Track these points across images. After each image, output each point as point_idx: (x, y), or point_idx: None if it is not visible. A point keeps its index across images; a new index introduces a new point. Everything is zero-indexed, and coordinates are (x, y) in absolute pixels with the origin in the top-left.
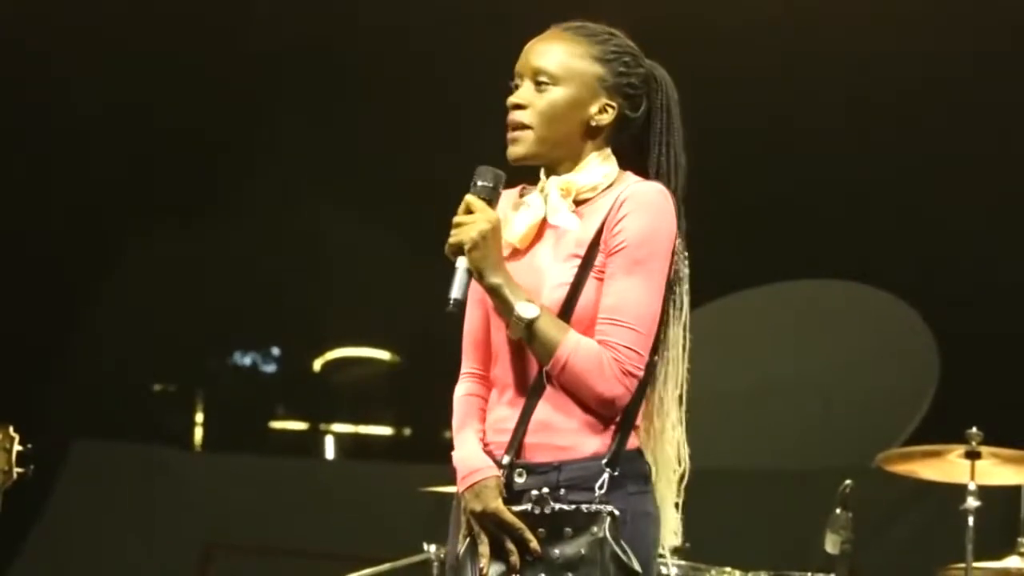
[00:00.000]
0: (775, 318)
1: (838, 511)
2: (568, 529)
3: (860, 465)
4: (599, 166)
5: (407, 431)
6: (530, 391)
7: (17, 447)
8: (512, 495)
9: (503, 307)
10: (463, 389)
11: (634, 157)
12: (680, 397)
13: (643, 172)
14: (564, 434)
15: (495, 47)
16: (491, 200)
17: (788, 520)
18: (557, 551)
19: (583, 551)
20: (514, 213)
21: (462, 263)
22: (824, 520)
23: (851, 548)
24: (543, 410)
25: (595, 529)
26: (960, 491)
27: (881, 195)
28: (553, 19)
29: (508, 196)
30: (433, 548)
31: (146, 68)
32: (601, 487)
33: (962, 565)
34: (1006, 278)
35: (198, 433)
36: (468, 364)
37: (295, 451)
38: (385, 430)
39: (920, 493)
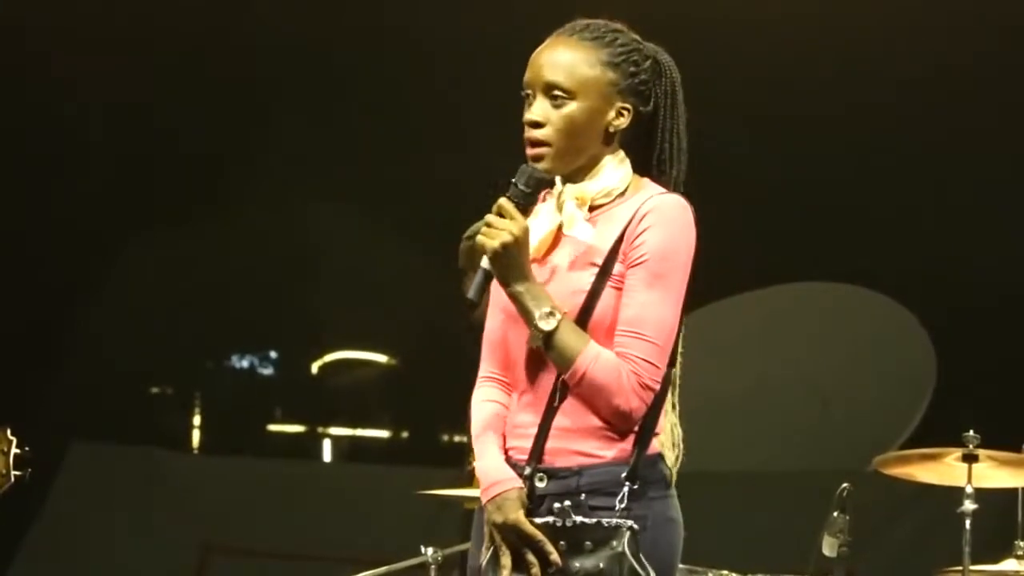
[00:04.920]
0: (773, 320)
1: (835, 514)
2: (588, 543)
3: (857, 468)
4: (614, 171)
5: (404, 434)
6: (550, 396)
7: (15, 450)
8: (534, 501)
9: (524, 315)
10: (482, 394)
11: (637, 142)
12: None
13: (647, 156)
14: (585, 440)
15: (495, 46)
16: (526, 204)
17: (785, 523)
18: (577, 564)
19: (602, 565)
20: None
21: (485, 264)
22: (822, 523)
23: (848, 551)
24: (564, 416)
25: (615, 543)
26: (957, 494)
27: (879, 198)
28: (553, 17)
29: None
30: (431, 550)
31: (146, 68)
32: (621, 500)
33: (959, 568)
34: (1003, 281)
35: (196, 436)
36: (487, 368)
37: (293, 454)
38: (383, 433)
39: (917, 496)
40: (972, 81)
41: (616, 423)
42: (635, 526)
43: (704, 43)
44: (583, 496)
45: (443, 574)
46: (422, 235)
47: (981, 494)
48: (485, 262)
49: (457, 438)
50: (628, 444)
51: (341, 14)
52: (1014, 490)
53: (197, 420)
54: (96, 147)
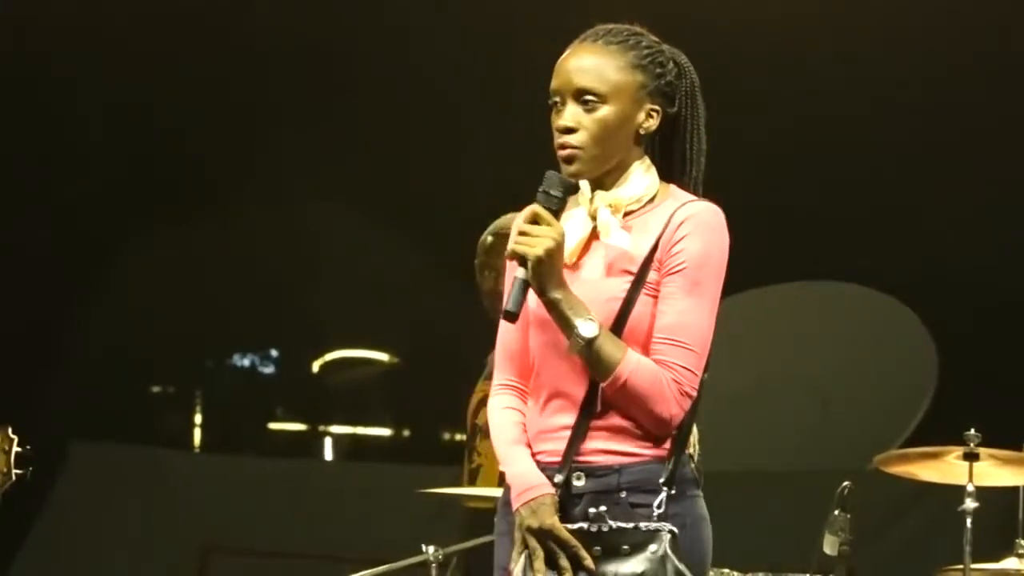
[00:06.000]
0: (774, 319)
1: (836, 512)
2: (625, 547)
3: (858, 466)
4: (642, 177)
5: (406, 432)
6: (586, 400)
7: (16, 449)
8: (570, 500)
9: (562, 322)
10: (502, 402)
11: (657, 145)
12: None
13: (667, 158)
14: (623, 440)
15: (495, 47)
16: (558, 211)
17: (786, 521)
18: (612, 569)
19: (642, 569)
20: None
21: (520, 274)
22: (823, 521)
23: (849, 549)
24: (602, 418)
25: (654, 547)
26: (958, 493)
27: (880, 196)
28: (552, 18)
29: None
30: (431, 549)
31: (146, 68)
32: (659, 505)
33: (960, 567)
34: (1004, 279)
35: (197, 434)
36: (504, 376)
37: (294, 452)
38: (384, 431)
39: (918, 495)
40: (972, 81)
41: (654, 429)
42: (675, 529)
43: (704, 43)
44: (623, 494)
45: (443, 573)
46: (422, 235)
47: (982, 492)
48: (520, 271)
49: (459, 437)
50: (666, 445)
51: (341, 14)
52: (1015, 488)
53: (198, 419)
54: (96, 147)
